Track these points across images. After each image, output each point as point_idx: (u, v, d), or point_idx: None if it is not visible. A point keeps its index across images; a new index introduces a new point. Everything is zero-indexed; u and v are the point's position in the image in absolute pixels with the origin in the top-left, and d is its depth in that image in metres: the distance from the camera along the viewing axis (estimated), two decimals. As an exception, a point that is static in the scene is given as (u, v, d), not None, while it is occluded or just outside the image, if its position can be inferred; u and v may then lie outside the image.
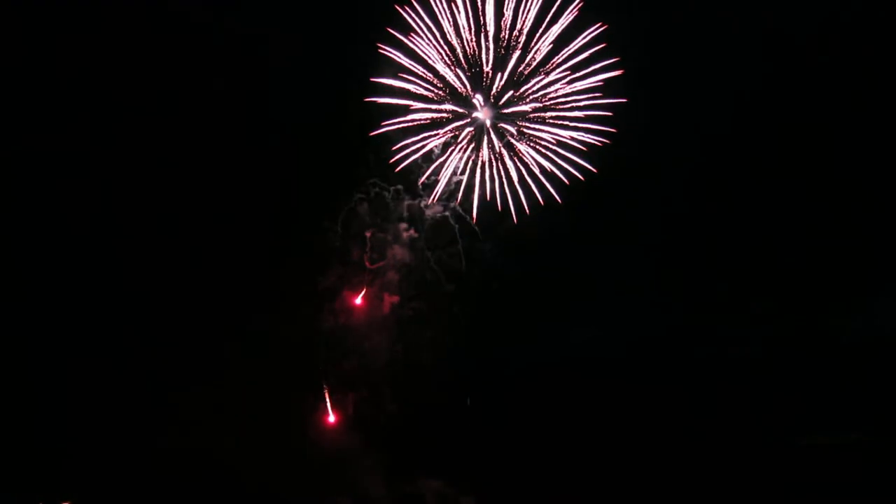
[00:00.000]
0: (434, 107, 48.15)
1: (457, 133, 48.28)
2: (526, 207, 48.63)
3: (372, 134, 48.13)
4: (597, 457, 52.81)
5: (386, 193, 49.38)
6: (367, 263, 49.49)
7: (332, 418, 51.58)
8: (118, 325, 51.15)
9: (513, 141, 48.46)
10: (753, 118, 52.46)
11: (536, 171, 48.60)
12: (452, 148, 48.82)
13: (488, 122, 48.31)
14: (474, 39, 47.43)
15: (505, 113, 48.24)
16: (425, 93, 47.86)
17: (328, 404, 51.64)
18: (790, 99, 52.30)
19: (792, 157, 53.34)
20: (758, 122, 52.66)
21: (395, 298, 50.19)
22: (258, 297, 49.84)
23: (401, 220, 50.30)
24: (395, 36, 47.27)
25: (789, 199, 53.76)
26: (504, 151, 48.94)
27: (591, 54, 47.07)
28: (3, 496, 47.60)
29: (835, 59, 51.05)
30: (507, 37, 47.38)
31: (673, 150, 52.94)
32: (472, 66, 47.84)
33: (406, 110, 47.93)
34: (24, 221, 50.76)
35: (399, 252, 50.10)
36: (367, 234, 49.49)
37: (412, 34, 47.16)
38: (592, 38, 46.99)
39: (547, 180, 48.51)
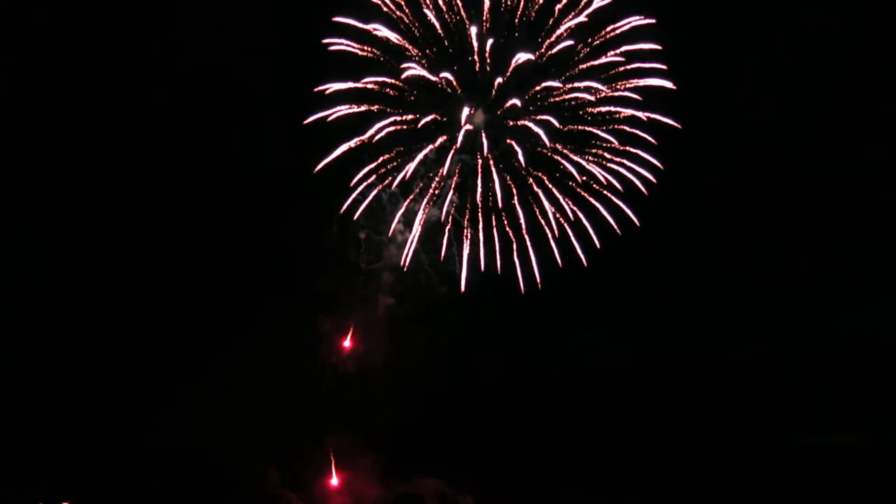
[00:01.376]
0: (402, 118, 38.57)
1: (442, 148, 39.01)
2: (538, 277, 40.22)
3: (317, 170, 40.02)
4: (596, 457, 52.72)
5: (382, 194, 45.68)
6: (361, 265, 48.96)
7: (335, 480, 50.29)
8: (118, 325, 51.29)
9: (519, 169, 38.22)
10: (755, 120, 52.23)
11: (553, 223, 38.63)
12: (427, 179, 39.59)
13: (486, 146, 38.60)
14: (463, 23, 37.73)
15: (507, 127, 38.70)
16: (390, 101, 38.11)
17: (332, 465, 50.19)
18: (791, 100, 52.28)
19: (792, 159, 53.22)
20: (758, 122, 52.49)
21: (390, 300, 49.54)
22: (255, 301, 50.09)
23: (396, 221, 46.49)
24: (345, 25, 37.95)
25: (789, 200, 53.79)
26: (502, 184, 38.35)
27: (627, 55, 37.29)
28: (4, 496, 47.91)
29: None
30: (508, 21, 37.66)
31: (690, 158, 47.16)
32: (459, 62, 38.20)
33: (363, 125, 38.49)
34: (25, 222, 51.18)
35: (394, 253, 47.78)
36: (362, 236, 47.52)
37: (373, 22, 37.69)
38: (630, 31, 37.60)
39: (570, 227, 39.09)
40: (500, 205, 39.48)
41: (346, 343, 49.63)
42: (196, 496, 50.18)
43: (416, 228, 42.26)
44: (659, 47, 38.26)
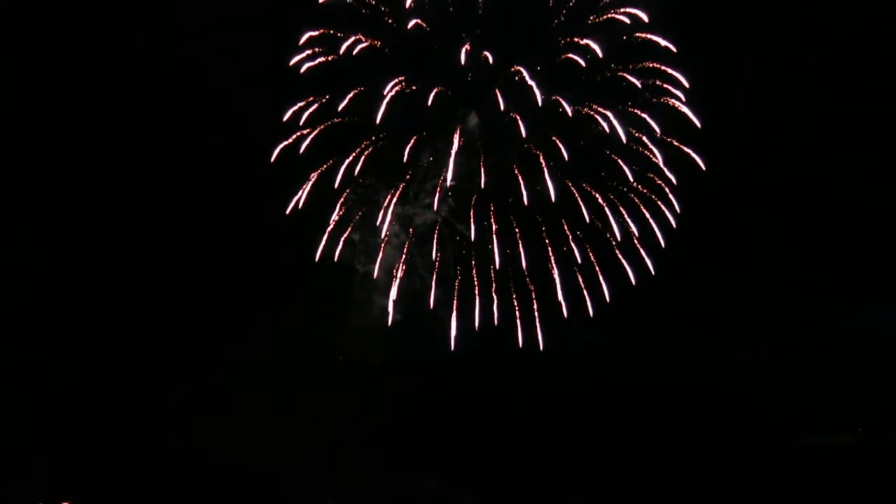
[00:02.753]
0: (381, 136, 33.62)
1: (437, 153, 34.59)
2: (540, 336, 37.04)
3: (289, 212, 37.39)
4: (596, 456, 52.65)
5: (378, 195, 44.35)
6: (356, 266, 48.75)
7: None
8: (117, 325, 51.60)
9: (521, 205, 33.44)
10: (756, 121, 51.94)
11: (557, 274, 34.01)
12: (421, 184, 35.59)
13: (482, 179, 33.70)
14: (456, 34, 33.15)
15: (507, 146, 34.00)
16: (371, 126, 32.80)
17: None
18: (791, 101, 52.04)
19: (793, 160, 53.01)
20: (760, 124, 52.22)
21: (386, 301, 49.32)
22: (250, 301, 50.25)
23: (391, 222, 45.50)
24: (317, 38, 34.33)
25: (790, 201, 53.56)
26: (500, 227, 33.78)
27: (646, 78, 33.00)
28: (4, 496, 48.20)
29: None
30: (505, 29, 33.12)
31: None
32: (451, 74, 33.70)
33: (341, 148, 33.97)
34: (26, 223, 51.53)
35: (390, 255, 46.60)
36: (356, 238, 46.35)
37: (352, 34, 33.26)
38: (651, 54, 33.78)
39: (579, 273, 34.83)
40: (497, 263, 35.22)
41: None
42: (195, 495, 50.40)
43: (410, 235, 40.21)
44: (686, 83, 35.00)
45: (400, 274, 44.56)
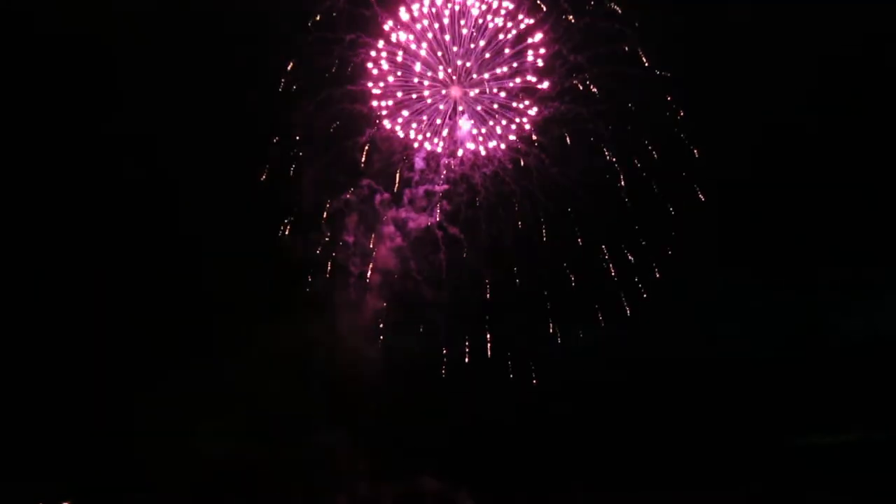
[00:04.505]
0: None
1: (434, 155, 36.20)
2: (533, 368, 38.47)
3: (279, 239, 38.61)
4: (595, 454, 52.67)
5: (374, 198, 45.68)
6: (351, 269, 48.79)
7: None
8: (117, 325, 51.90)
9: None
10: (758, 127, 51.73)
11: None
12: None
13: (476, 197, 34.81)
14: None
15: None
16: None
17: None
18: (793, 103, 51.76)
19: (793, 160, 52.74)
20: (761, 128, 51.98)
21: (380, 303, 49.05)
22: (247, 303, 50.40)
23: (386, 225, 46.69)
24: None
25: (790, 199, 53.25)
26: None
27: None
28: (4, 496, 48.55)
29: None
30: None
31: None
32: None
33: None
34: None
35: (385, 256, 47.40)
36: (350, 240, 47.06)
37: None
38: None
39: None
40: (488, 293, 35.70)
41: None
42: (195, 496, 50.66)
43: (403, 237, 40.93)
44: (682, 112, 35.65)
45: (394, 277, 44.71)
